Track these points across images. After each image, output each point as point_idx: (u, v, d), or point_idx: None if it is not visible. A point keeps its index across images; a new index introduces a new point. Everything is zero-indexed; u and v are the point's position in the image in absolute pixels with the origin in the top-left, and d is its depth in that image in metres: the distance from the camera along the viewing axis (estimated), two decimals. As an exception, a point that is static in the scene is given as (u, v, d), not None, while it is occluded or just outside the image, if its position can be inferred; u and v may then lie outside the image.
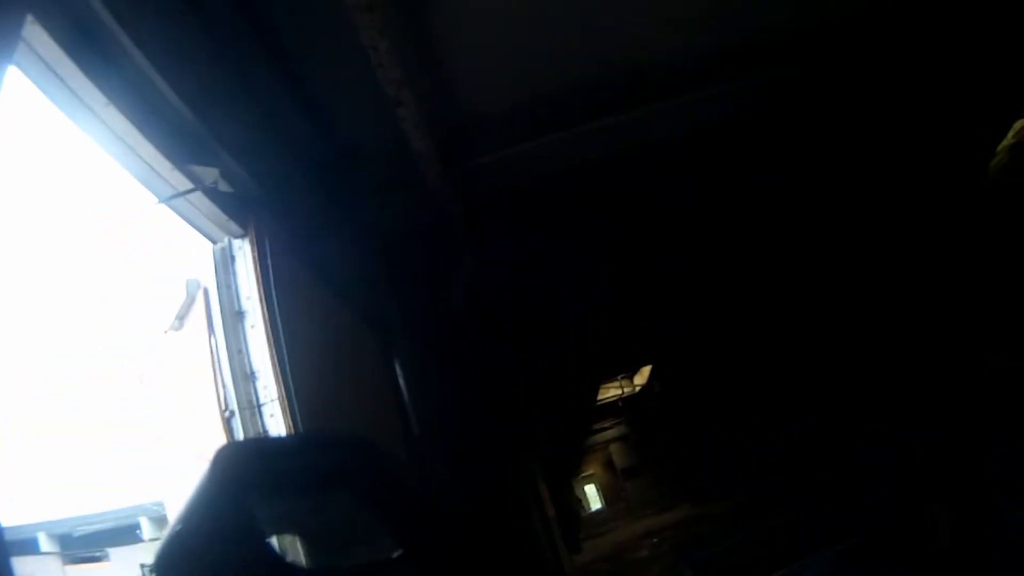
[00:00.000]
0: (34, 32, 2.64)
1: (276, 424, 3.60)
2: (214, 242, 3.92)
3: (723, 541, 7.62)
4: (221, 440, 3.51)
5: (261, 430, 3.57)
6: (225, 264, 3.84)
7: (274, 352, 3.69)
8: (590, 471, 45.83)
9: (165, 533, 3.28)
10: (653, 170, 7.83)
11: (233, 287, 3.84)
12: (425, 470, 5.99)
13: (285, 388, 3.64)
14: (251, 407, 3.62)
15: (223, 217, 3.84)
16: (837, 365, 17.70)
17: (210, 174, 3.64)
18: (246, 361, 3.74)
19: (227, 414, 3.57)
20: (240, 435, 3.54)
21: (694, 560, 6.85)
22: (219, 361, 3.67)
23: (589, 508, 46.47)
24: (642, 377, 27.27)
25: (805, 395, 19.54)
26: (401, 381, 6.01)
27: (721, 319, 16.40)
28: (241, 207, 3.98)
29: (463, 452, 9.21)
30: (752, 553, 6.42)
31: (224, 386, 3.63)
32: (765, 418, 21.60)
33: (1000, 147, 12.14)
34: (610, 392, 28.19)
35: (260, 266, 3.90)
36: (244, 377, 3.67)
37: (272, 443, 2.10)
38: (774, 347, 19.47)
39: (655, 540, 21.63)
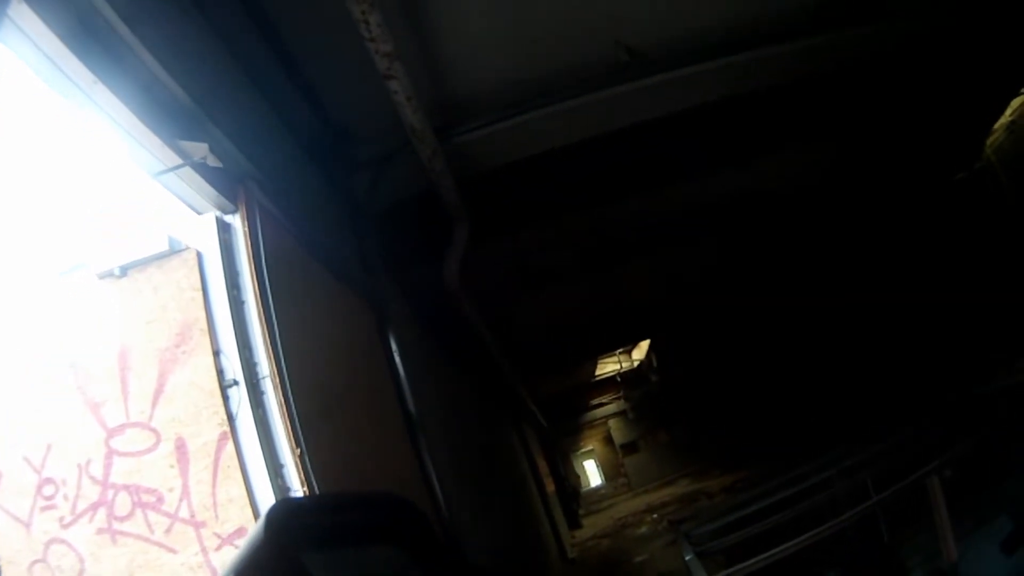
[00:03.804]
0: (20, 11, 2.62)
1: (269, 401, 3.62)
2: (205, 215, 3.90)
3: (722, 516, 7.61)
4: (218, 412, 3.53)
5: (258, 406, 3.58)
6: (218, 236, 3.83)
7: (266, 328, 3.68)
8: (589, 446, 45.94)
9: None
10: (650, 145, 7.82)
11: (227, 260, 3.83)
12: (421, 449, 6.00)
13: (277, 365, 3.65)
14: (252, 381, 3.62)
15: (214, 193, 3.82)
16: (835, 340, 17.78)
17: (200, 149, 3.62)
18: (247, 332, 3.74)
19: (228, 383, 3.57)
20: (238, 408, 3.55)
21: (693, 535, 6.83)
22: (216, 329, 3.66)
23: (589, 484, 46.59)
24: (640, 352, 27.29)
25: (803, 369, 19.63)
26: (396, 356, 6.02)
27: (721, 292, 16.36)
28: (232, 183, 3.97)
29: (460, 427, 9.24)
30: (752, 528, 6.41)
31: (223, 355, 3.63)
32: (764, 393, 21.68)
33: (997, 125, 12.27)
34: (608, 367, 28.22)
35: (251, 241, 3.89)
36: (245, 346, 3.67)
37: (323, 499, 2.17)
38: (774, 321, 19.53)
39: (655, 515, 21.74)
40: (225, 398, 3.57)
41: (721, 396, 25.15)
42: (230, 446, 3.49)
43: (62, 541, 3.53)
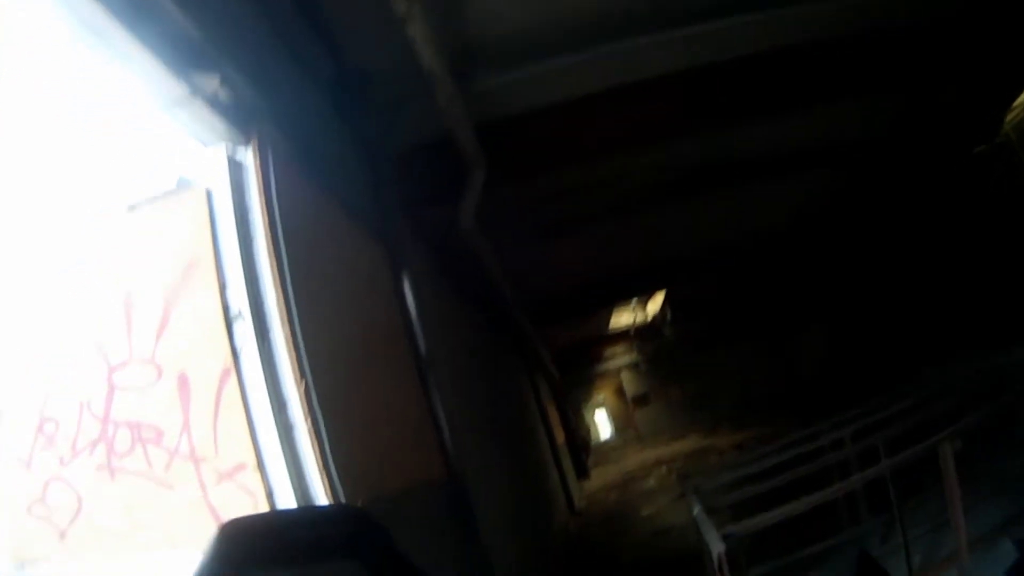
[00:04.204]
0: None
1: (275, 335, 3.60)
2: (216, 151, 3.84)
3: (732, 471, 7.58)
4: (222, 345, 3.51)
5: (263, 340, 3.54)
6: (228, 172, 3.77)
7: (274, 261, 3.64)
8: (600, 398, 46.02)
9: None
10: (667, 98, 7.73)
11: (237, 197, 3.77)
12: (431, 391, 5.99)
13: (285, 298, 3.60)
14: (258, 315, 3.58)
15: (224, 128, 3.76)
16: (853, 302, 17.70)
17: (211, 82, 3.57)
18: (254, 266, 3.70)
19: (233, 317, 3.54)
20: (243, 343, 3.52)
21: (702, 490, 6.80)
22: (223, 264, 3.62)
23: (599, 436, 46.68)
24: (655, 304, 27.21)
25: (816, 326, 19.58)
26: (409, 298, 5.98)
27: (736, 244, 16.27)
28: (244, 119, 3.91)
29: (472, 373, 9.23)
30: (762, 486, 6.38)
31: (230, 289, 3.59)
32: (777, 352, 21.64)
33: (1017, 103, 12.17)
34: (622, 319, 28.16)
35: (262, 177, 3.83)
36: (252, 280, 3.63)
37: (275, 517, 2.16)
38: (787, 276, 19.43)
39: (664, 469, 21.79)
40: (230, 333, 3.54)
41: (734, 353, 25.14)
42: (233, 381, 3.47)
43: (61, 479, 3.55)
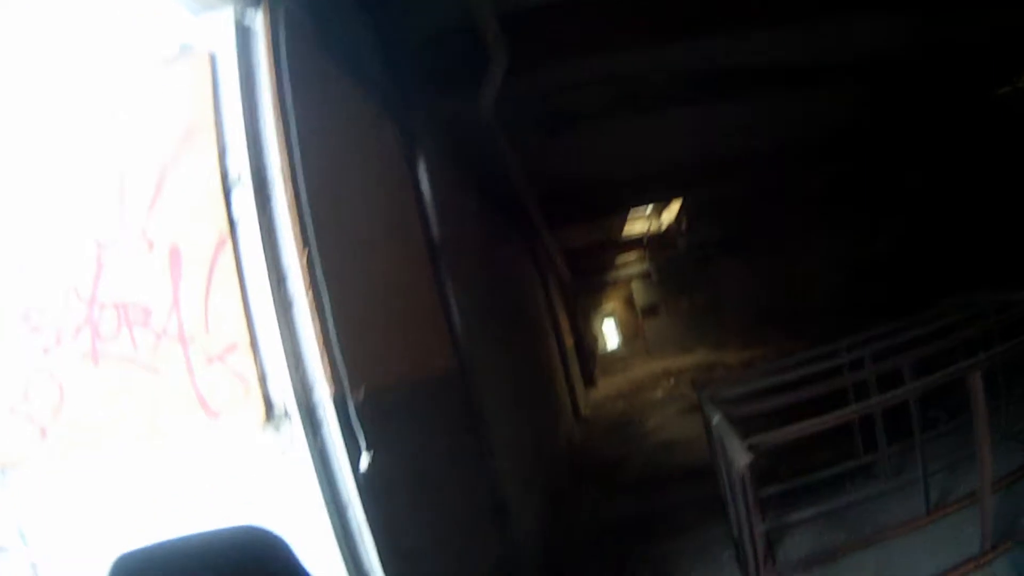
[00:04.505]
0: None
1: (276, 202, 3.31)
2: (222, 16, 3.52)
3: (747, 384, 7.33)
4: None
5: (264, 207, 3.27)
6: (235, 36, 3.46)
7: (280, 125, 3.34)
8: (609, 308, 46.03)
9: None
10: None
11: (243, 62, 3.47)
12: (442, 277, 5.83)
13: (290, 162, 3.30)
14: (259, 180, 3.29)
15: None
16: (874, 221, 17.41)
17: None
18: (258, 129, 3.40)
19: (232, 182, 3.25)
20: (241, 211, 3.25)
21: (720, 398, 6.54)
22: (224, 129, 3.32)
23: (606, 345, 46.79)
24: (671, 214, 26.90)
25: (831, 248, 19.32)
26: (423, 182, 5.73)
27: (758, 153, 15.98)
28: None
29: (484, 266, 9.03)
30: (781, 399, 6.14)
31: (229, 154, 3.29)
32: (794, 273, 21.40)
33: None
34: (636, 227, 27.86)
35: (272, 43, 3.52)
36: (254, 143, 3.33)
37: (172, 545, 2.03)
38: (806, 194, 19.13)
39: (672, 381, 21.73)
40: (227, 200, 3.27)
41: (747, 271, 24.88)
42: (228, 252, 3.21)
43: (44, 371, 3.37)
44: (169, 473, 3.24)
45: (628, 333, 44.26)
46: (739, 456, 4.51)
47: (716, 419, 5.61)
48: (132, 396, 3.24)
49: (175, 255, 3.26)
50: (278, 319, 3.16)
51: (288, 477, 3.17)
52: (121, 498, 3.29)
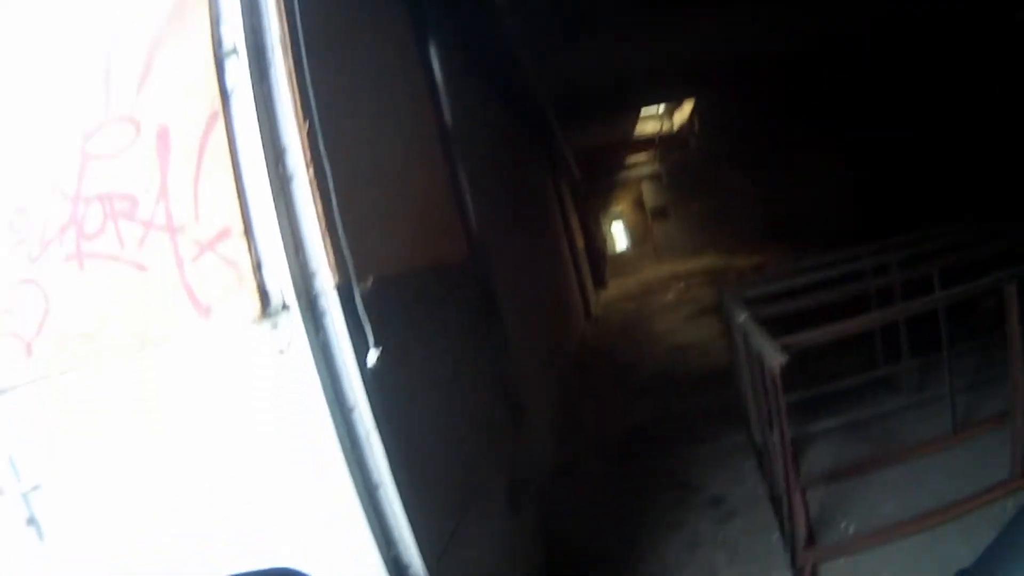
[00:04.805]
0: None
1: (275, 70, 2.99)
2: None
3: (770, 284, 7.08)
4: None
5: (260, 77, 2.97)
6: None
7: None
8: (619, 209, 45.78)
9: None
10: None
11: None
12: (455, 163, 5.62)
13: (291, 26, 2.99)
14: (256, 47, 2.98)
15: None
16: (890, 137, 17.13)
17: None
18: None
19: (226, 52, 2.94)
20: (235, 82, 2.94)
21: (744, 297, 6.30)
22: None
23: (615, 247, 46.68)
24: (683, 114, 26.51)
25: (842, 160, 19.06)
26: (435, 67, 5.47)
27: (770, 55, 15.76)
28: None
29: (496, 158, 8.78)
30: (807, 299, 5.90)
31: (224, 22, 2.98)
32: (805, 180, 21.13)
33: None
34: (648, 127, 27.44)
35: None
36: (252, 9, 3.01)
37: None
38: (819, 102, 18.82)
39: (682, 284, 21.60)
40: (220, 71, 2.94)
41: (759, 176, 24.53)
42: (220, 128, 2.89)
43: (29, 281, 3.17)
44: (161, 384, 3.00)
45: (637, 235, 44.10)
46: (772, 357, 4.23)
47: (743, 318, 5.34)
48: (118, 298, 3.02)
49: (163, 135, 2.98)
50: (275, 200, 2.85)
51: (287, 379, 2.89)
52: (111, 416, 3.06)
